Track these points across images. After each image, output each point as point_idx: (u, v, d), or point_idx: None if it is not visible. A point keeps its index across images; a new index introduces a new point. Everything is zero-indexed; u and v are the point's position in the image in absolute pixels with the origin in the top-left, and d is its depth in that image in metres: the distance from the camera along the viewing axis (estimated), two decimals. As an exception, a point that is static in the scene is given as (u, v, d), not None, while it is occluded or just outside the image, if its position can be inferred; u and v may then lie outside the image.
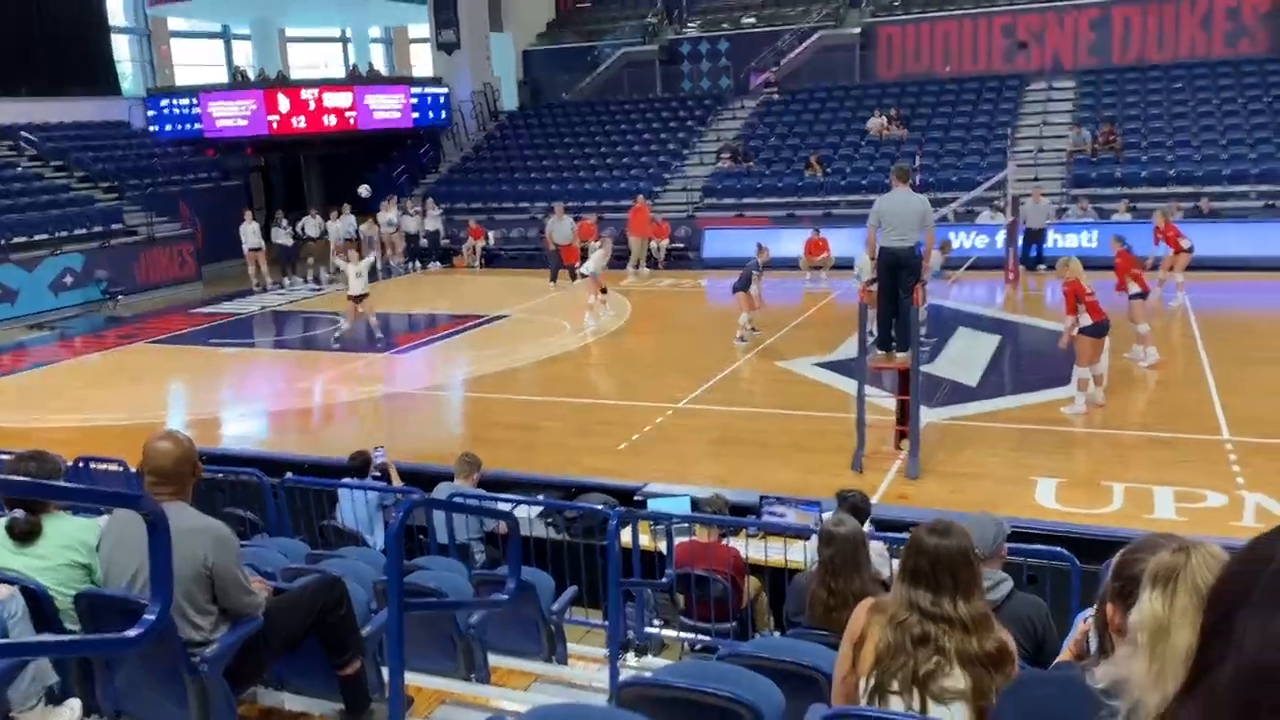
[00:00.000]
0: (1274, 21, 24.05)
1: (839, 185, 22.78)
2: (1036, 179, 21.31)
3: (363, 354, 15.45)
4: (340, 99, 26.81)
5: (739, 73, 29.00)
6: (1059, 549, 5.33)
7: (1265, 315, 15.18)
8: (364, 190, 23.16)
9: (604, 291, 16.02)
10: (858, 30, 27.89)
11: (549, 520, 7.29)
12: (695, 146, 26.63)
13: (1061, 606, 4.75)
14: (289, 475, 7.97)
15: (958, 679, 2.57)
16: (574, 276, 18.67)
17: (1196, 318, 14.45)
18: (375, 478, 7.68)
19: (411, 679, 3.81)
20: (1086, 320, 10.34)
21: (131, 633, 2.41)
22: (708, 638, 5.79)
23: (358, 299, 15.68)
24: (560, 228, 20.35)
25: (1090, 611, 2.54)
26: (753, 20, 29.91)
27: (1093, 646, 2.34)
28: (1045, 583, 5.13)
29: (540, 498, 7.53)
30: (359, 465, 7.44)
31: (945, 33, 26.92)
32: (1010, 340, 14.09)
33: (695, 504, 7.11)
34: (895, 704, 2.63)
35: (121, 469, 7.74)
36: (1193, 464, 8.86)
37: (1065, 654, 2.71)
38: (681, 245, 22.91)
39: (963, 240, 19.83)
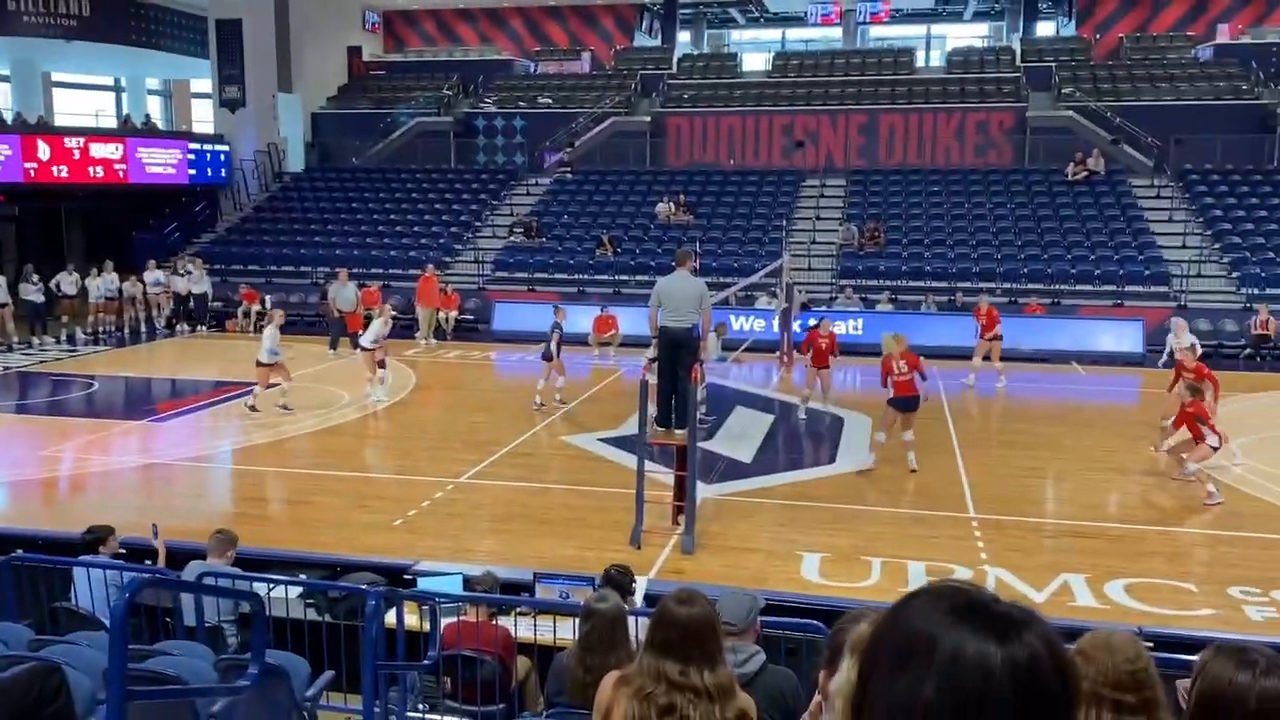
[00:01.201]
0: (1017, 137, 26.79)
1: (628, 265, 23.36)
2: (809, 268, 22.64)
3: (119, 421, 14.38)
4: (110, 150, 25.28)
5: (533, 150, 29.45)
6: (815, 622, 5.54)
7: (1006, 402, 16.55)
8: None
9: (383, 365, 15.48)
10: (648, 119, 28.99)
11: (310, 601, 6.93)
12: (488, 220, 26.73)
13: (817, 678, 4.92)
14: (19, 552, 7.25)
15: None
16: (356, 345, 18.15)
17: (947, 403, 15.58)
18: (119, 556, 7.08)
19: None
20: (890, 393, 11.47)
21: None
22: (474, 721, 5.62)
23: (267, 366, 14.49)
24: (344, 294, 19.81)
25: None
26: (549, 101, 30.53)
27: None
28: (803, 655, 5.31)
29: (302, 577, 7.15)
30: (91, 541, 6.85)
31: (730, 127, 28.39)
32: (783, 420, 14.71)
33: (467, 582, 6.94)
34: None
35: None
36: (943, 540, 9.46)
37: (802, 725, 2.79)
38: (471, 317, 22.81)
39: (741, 323, 20.69)
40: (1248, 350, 19.57)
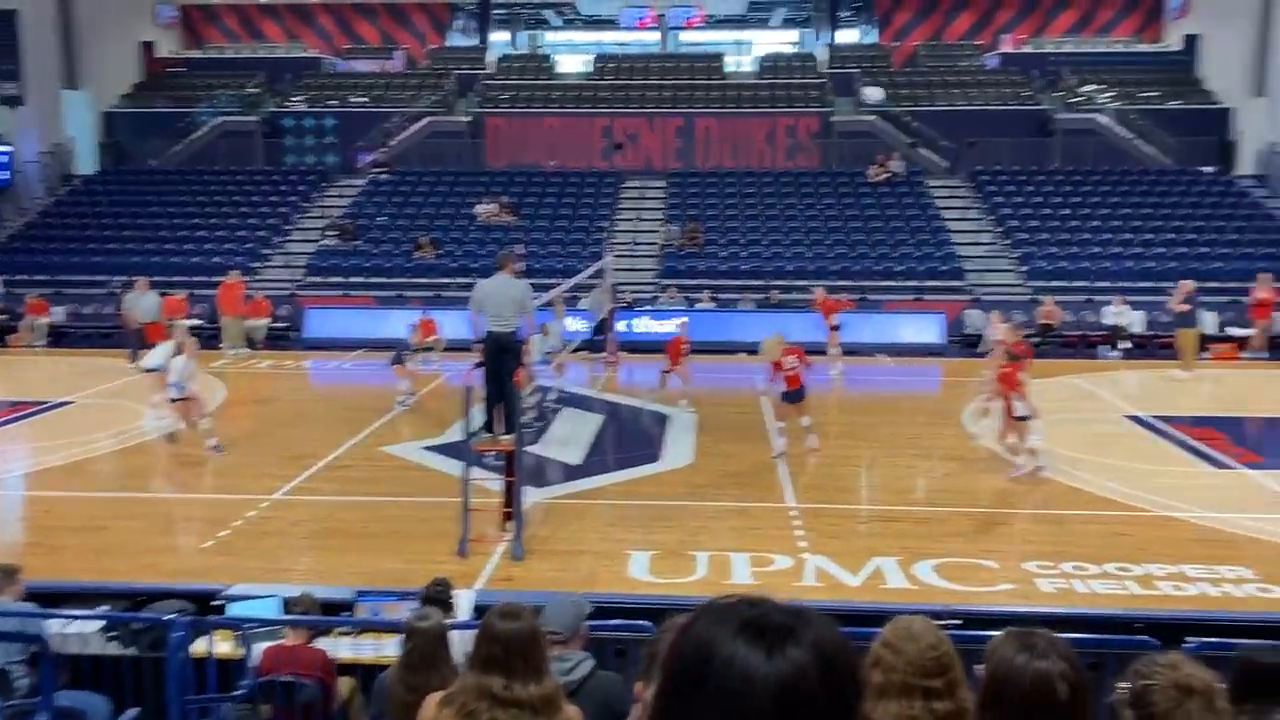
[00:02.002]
0: (824, 141, 27.90)
1: (450, 268, 22.99)
2: (632, 269, 22.91)
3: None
4: None
5: (346, 150, 28.56)
6: (644, 622, 5.58)
7: (820, 393, 17.17)
8: None
9: None
10: (467, 119, 28.61)
11: (113, 634, 6.47)
12: (298, 222, 25.77)
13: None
14: None
15: None
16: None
17: (765, 396, 16.04)
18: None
19: None
20: (782, 388, 12.22)
21: None
22: (295, 748, 5.39)
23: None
24: (143, 303, 18.66)
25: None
26: (363, 99, 29.69)
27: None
28: (632, 656, 5.33)
29: (104, 609, 6.67)
30: None
31: (550, 128, 28.37)
32: (611, 420, 14.81)
33: (285, 604, 6.65)
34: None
35: None
36: (765, 531, 9.74)
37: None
38: (283, 325, 21.91)
39: (566, 325, 20.66)
40: (1035, 339, 21.04)
